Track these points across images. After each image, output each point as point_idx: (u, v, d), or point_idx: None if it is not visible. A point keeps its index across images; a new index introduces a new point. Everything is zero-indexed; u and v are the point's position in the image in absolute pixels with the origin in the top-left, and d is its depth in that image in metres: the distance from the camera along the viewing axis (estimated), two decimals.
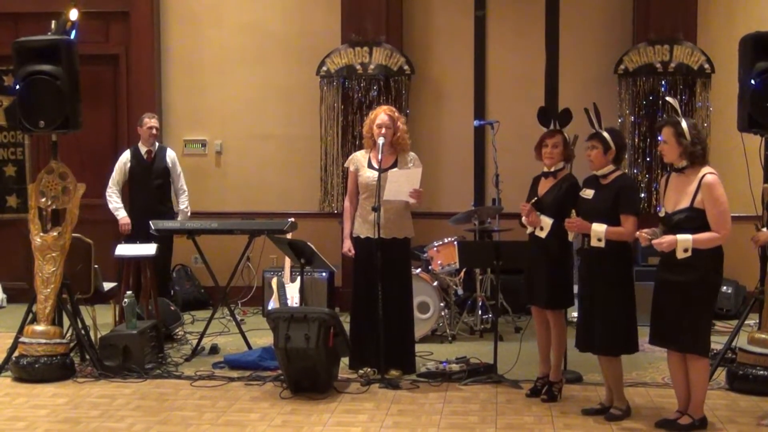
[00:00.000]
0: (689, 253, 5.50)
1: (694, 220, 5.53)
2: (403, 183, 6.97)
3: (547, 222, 6.35)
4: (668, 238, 5.54)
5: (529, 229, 6.51)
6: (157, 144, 9.28)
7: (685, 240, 5.49)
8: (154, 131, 9.15)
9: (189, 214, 9.24)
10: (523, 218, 6.50)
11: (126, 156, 9.20)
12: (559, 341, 6.52)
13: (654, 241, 5.57)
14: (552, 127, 6.52)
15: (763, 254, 6.57)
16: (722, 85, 9.15)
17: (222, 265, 8.69)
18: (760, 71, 6.70)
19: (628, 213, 5.90)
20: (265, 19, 10.38)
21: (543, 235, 6.38)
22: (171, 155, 9.28)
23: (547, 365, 6.61)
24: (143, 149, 9.17)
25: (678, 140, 5.63)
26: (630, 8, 9.85)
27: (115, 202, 9.11)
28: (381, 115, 7.13)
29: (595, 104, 6.20)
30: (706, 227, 5.51)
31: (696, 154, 5.64)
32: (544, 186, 6.52)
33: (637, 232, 5.72)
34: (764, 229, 6.30)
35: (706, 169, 5.63)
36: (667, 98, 6.22)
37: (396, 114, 7.23)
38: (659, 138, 5.78)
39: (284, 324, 6.61)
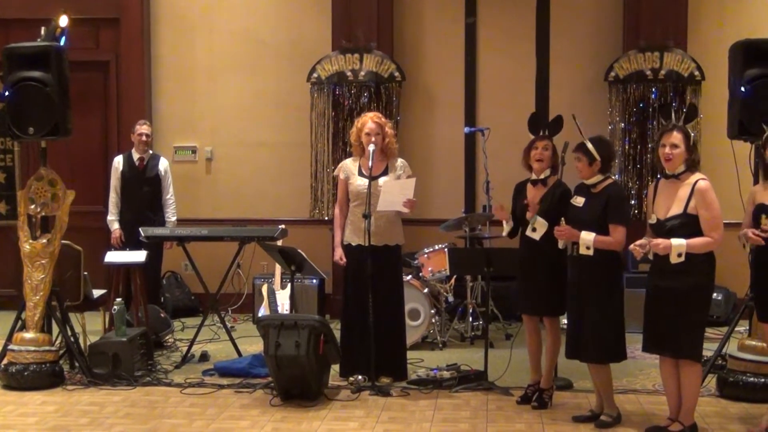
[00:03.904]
0: (683, 258, 5.51)
1: (687, 226, 5.54)
2: (396, 193, 6.96)
3: (542, 223, 6.32)
4: (664, 240, 5.56)
5: (528, 231, 6.46)
6: (150, 152, 9.25)
7: (679, 244, 5.50)
8: (144, 138, 9.11)
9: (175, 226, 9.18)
10: (505, 223, 6.53)
11: (118, 160, 9.17)
12: (554, 348, 6.51)
13: (652, 242, 5.58)
14: (541, 134, 6.52)
15: (752, 261, 6.57)
16: (712, 92, 9.17)
17: (212, 272, 8.67)
18: (750, 78, 6.72)
19: (616, 223, 5.89)
20: (256, 26, 10.37)
21: (537, 237, 6.36)
22: (164, 164, 9.24)
23: (538, 372, 6.61)
24: (136, 156, 9.14)
25: (687, 145, 5.65)
26: (620, 15, 9.86)
27: (110, 213, 9.09)
28: (368, 123, 7.11)
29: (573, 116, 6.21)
30: (699, 233, 5.52)
31: (697, 161, 5.71)
32: (533, 194, 6.49)
33: (630, 246, 5.71)
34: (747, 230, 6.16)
35: (698, 175, 5.65)
36: (687, 105, 6.20)
37: (382, 119, 7.23)
38: (669, 143, 5.67)
39: (274, 331, 6.59)
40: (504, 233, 6.66)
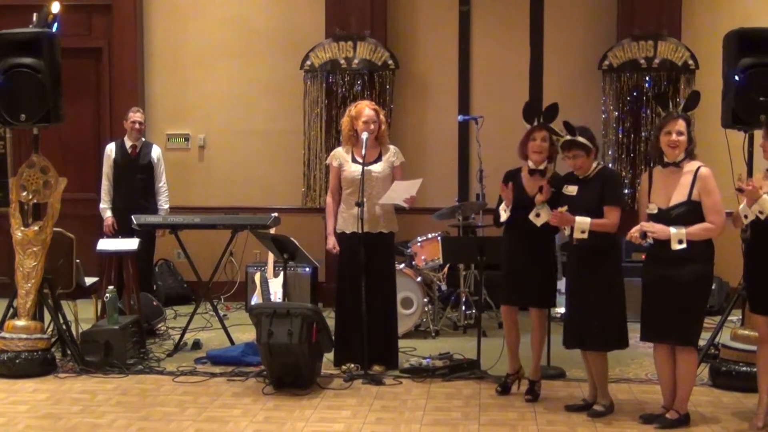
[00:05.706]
0: (684, 245, 5.52)
1: (693, 212, 5.57)
2: (402, 191, 6.98)
3: (548, 212, 6.22)
4: (660, 226, 5.57)
5: (531, 215, 6.36)
6: (143, 139, 9.22)
7: (678, 232, 5.51)
8: (137, 126, 9.09)
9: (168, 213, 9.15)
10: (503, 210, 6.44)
11: (110, 148, 9.15)
12: (542, 340, 6.49)
13: (651, 228, 5.57)
14: (536, 123, 6.44)
15: (745, 251, 6.58)
16: (706, 81, 9.13)
17: (205, 260, 8.66)
18: (744, 67, 6.71)
19: (612, 204, 5.89)
20: (249, 13, 10.34)
21: (538, 223, 6.25)
22: (156, 152, 9.21)
23: (517, 362, 6.58)
24: (128, 143, 9.12)
25: (689, 133, 5.68)
26: (614, 4, 9.86)
27: (103, 201, 9.07)
28: (366, 110, 7.08)
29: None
30: (704, 220, 5.56)
31: (694, 149, 5.75)
32: (531, 184, 6.40)
33: (628, 235, 5.69)
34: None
35: (698, 162, 5.70)
36: (690, 92, 6.21)
37: (377, 107, 7.23)
38: (675, 130, 5.67)
39: (267, 319, 6.58)
40: (502, 219, 6.46)
